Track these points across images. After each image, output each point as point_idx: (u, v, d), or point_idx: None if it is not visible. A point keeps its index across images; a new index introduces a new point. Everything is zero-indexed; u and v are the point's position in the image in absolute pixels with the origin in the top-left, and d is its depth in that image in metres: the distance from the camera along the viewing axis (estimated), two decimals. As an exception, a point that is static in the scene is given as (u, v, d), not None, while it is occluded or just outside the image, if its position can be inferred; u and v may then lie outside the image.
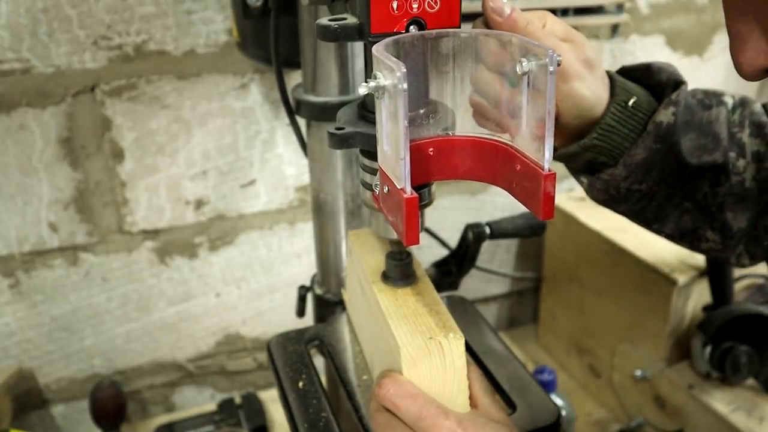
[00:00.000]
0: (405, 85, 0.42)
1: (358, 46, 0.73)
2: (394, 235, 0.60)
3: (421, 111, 0.53)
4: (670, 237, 0.72)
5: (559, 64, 0.44)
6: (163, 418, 1.26)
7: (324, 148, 0.80)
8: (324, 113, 0.77)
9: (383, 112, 0.45)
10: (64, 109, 1.05)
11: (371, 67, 0.48)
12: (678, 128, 0.64)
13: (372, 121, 0.52)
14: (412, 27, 0.51)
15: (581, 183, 0.70)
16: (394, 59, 0.43)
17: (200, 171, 1.16)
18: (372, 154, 0.54)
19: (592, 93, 0.63)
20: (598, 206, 0.73)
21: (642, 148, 0.64)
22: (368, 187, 0.57)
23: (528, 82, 0.46)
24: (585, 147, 0.65)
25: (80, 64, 1.03)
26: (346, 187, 0.81)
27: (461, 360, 0.56)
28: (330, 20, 0.52)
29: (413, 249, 0.67)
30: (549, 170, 0.46)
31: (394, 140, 0.45)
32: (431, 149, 0.52)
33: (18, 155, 1.06)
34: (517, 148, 0.50)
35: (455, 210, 1.39)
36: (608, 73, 0.66)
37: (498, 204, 1.42)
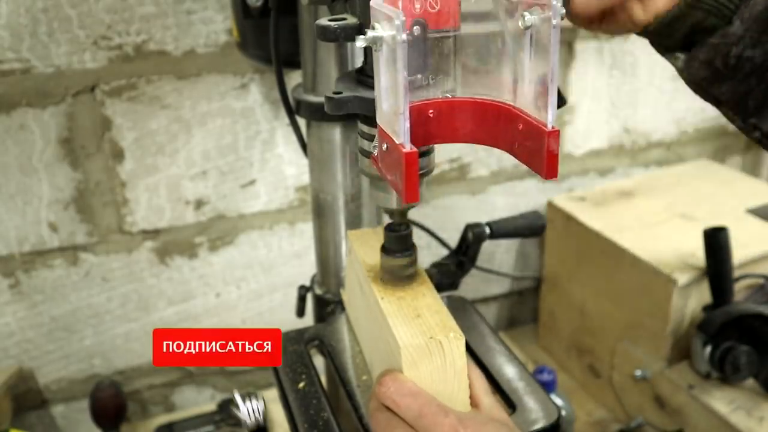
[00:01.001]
0: (404, 36, 0.41)
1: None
2: (393, 204, 0.60)
3: (420, 75, 0.52)
4: (764, 138, 0.61)
5: (562, 18, 0.43)
6: (163, 418, 1.26)
7: (324, 148, 0.80)
8: (324, 113, 0.77)
9: (381, 65, 0.44)
10: (64, 109, 1.05)
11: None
12: None
13: (370, 86, 0.51)
14: (415, 27, 0.51)
15: (675, 61, 0.60)
16: (392, 8, 0.42)
17: (200, 171, 1.16)
18: (370, 120, 0.54)
19: None
20: (597, 206, 0.71)
21: None
22: (366, 154, 0.57)
23: (531, 37, 0.45)
24: (693, 4, 0.54)
25: (80, 64, 1.03)
26: (346, 187, 0.81)
27: (462, 359, 0.56)
28: (330, 20, 0.52)
29: (414, 249, 0.67)
30: (553, 127, 0.45)
31: (393, 95, 0.44)
32: (431, 111, 0.52)
33: (18, 155, 1.06)
34: (520, 107, 0.49)
35: (455, 210, 1.39)
36: None
37: (498, 204, 1.42)
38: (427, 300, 0.61)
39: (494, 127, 0.52)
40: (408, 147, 0.44)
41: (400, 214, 0.61)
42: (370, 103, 0.49)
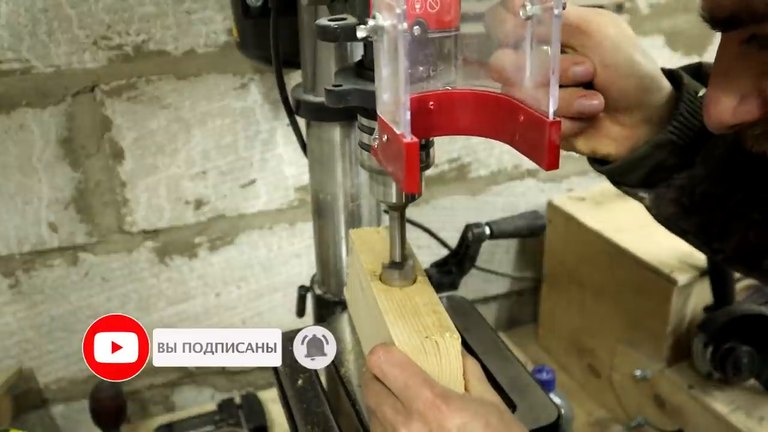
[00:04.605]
0: (405, 24, 0.41)
1: (357, 46, 0.73)
2: (393, 198, 0.60)
3: (421, 68, 0.53)
4: (730, 259, 0.66)
5: (564, 7, 0.43)
6: (163, 418, 1.26)
7: (324, 148, 0.80)
8: (324, 113, 0.77)
9: (382, 56, 0.44)
10: (64, 109, 1.05)
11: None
12: None
13: (370, 79, 0.51)
14: (415, 27, 0.51)
15: (641, 200, 0.63)
16: None
17: (200, 171, 1.16)
18: (370, 113, 0.54)
19: (653, 68, 0.57)
20: (598, 206, 0.71)
21: (722, 140, 0.56)
22: (366, 147, 0.57)
23: (532, 28, 0.45)
24: (659, 144, 0.57)
25: (80, 64, 1.03)
26: (346, 187, 0.81)
27: (457, 360, 0.55)
28: (330, 20, 0.52)
29: (414, 250, 0.67)
30: (554, 118, 0.45)
31: (394, 85, 0.44)
32: (432, 103, 0.52)
33: (18, 155, 1.06)
34: (520, 99, 0.49)
35: (455, 210, 1.39)
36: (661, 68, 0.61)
37: (498, 204, 1.41)
38: (425, 299, 0.61)
39: (495, 119, 0.52)
40: (409, 137, 0.44)
41: (399, 208, 0.61)
42: (371, 96, 0.49)
